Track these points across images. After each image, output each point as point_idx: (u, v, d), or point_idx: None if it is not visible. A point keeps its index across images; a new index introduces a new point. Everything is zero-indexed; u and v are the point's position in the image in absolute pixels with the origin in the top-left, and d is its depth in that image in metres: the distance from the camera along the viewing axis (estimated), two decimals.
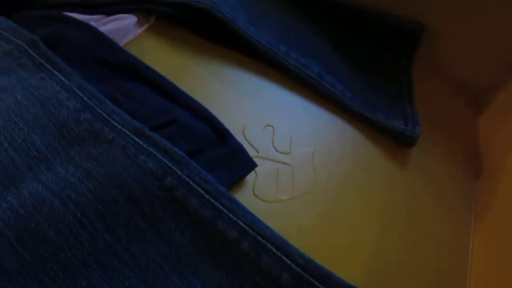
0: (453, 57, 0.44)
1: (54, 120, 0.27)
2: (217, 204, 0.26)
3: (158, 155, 0.26)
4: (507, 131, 0.38)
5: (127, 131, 0.27)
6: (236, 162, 0.29)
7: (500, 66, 0.43)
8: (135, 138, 0.27)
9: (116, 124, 0.28)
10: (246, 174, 0.29)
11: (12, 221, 0.23)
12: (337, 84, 0.38)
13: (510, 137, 0.38)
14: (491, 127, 0.41)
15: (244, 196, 0.29)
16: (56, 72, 0.29)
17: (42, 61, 0.30)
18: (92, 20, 0.37)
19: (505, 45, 0.42)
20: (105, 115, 0.28)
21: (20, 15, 0.37)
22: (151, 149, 0.27)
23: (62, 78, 0.29)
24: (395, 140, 0.37)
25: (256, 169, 0.30)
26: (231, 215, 0.26)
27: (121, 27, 0.36)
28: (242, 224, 0.26)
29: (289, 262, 0.24)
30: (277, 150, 0.33)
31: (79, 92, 0.28)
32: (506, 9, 0.41)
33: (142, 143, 0.27)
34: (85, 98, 0.28)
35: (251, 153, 0.31)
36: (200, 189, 0.26)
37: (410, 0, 0.44)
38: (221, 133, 0.30)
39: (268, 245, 0.25)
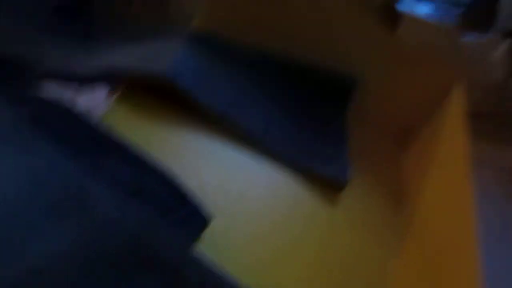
0: (382, 102, 0.52)
1: (45, 196, 0.33)
2: (183, 258, 0.32)
3: (132, 221, 0.33)
4: (426, 169, 0.47)
5: (105, 201, 0.33)
6: (196, 220, 0.36)
7: (422, 110, 0.51)
8: (113, 206, 0.33)
9: (97, 195, 0.34)
10: (205, 228, 0.36)
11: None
12: (279, 139, 0.45)
13: (428, 175, 0.46)
14: (413, 165, 0.50)
15: (203, 246, 0.36)
16: (41, 151, 0.35)
17: (29, 139, 0.36)
18: (68, 91, 0.43)
19: (428, 92, 0.51)
20: (87, 188, 0.34)
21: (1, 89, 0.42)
22: (126, 216, 0.33)
23: (48, 156, 0.35)
24: (328, 185, 0.44)
25: (212, 223, 0.37)
26: (193, 266, 0.32)
27: (93, 99, 0.42)
28: (203, 271, 0.32)
29: None
30: (228, 205, 0.40)
31: (63, 169, 0.34)
32: (426, 63, 0.50)
33: (118, 211, 0.33)
34: (69, 174, 0.34)
35: (208, 208, 0.38)
36: (167, 249, 0.32)
37: (343, 55, 0.52)
38: (183, 195, 0.36)
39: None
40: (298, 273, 0.38)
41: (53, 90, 0.42)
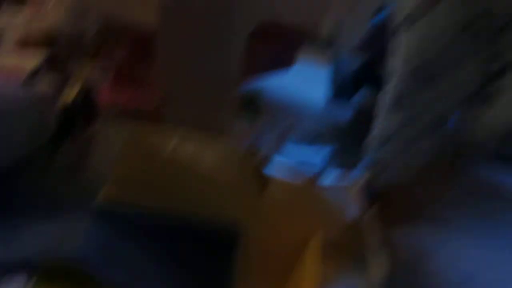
0: (261, 251, 0.59)
1: None
2: None
3: None
4: None
5: None
6: None
7: (293, 253, 0.60)
8: None
9: None
10: None
11: None
12: None
13: None
14: None
15: None
16: None
17: None
18: None
19: (296, 238, 0.60)
20: None
21: None
22: None
23: None
24: None
25: None
26: None
27: None
28: None
29: None
30: None
31: None
32: (292, 213, 0.63)
33: None
34: None
35: None
36: None
37: (227, 213, 0.63)
38: None
39: None
40: None
41: None
